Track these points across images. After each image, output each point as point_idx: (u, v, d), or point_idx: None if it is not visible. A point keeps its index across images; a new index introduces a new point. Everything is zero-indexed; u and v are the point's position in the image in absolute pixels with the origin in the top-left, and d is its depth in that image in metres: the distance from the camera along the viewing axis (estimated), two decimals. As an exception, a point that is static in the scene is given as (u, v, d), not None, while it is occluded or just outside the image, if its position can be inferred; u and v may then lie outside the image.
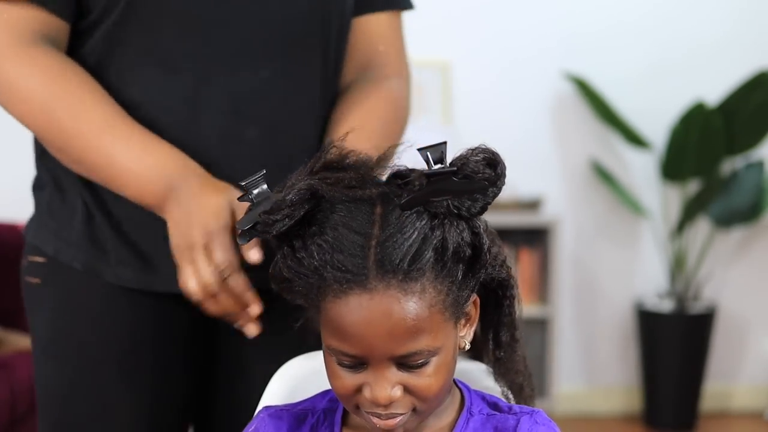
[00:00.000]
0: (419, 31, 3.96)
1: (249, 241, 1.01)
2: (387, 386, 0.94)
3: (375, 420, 0.97)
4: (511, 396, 1.15)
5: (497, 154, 0.93)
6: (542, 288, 3.89)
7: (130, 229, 1.34)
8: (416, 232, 0.93)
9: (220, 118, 1.31)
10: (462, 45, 3.99)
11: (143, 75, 1.30)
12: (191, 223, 1.24)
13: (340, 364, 0.97)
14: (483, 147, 0.93)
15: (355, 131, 1.16)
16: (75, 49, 1.32)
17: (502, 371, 1.14)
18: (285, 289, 1.02)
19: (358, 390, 0.97)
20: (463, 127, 3.90)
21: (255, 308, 1.27)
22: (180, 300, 1.29)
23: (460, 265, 0.96)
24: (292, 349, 1.32)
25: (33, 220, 1.42)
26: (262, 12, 1.31)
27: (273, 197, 0.98)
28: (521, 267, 3.90)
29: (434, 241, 0.93)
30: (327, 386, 1.12)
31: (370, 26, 1.45)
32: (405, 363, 0.95)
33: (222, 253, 1.23)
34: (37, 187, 1.42)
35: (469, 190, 0.92)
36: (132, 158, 1.26)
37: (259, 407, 1.21)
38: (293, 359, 1.31)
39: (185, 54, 1.30)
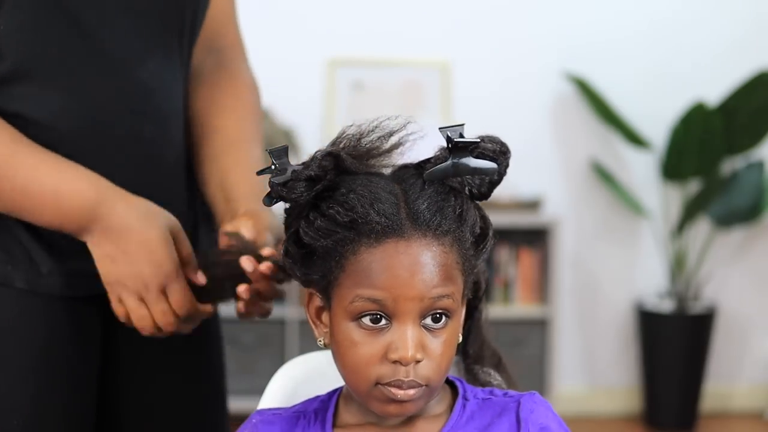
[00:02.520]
0: (419, 31, 3.98)
1: (274, 203, 1.03)
2: (412, 344, 0.97)
3: (395, 390, 0.98)
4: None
5: (506, 144, 1.03)
6: (542, 288, 3.89)
7: (41, 231, 1.26)
8: (439, 197, 1.00)
9: (117, 119, 1.27)
10: (462, 45, 3.99)
11: (21, 86, 1.23)
12: (136, 261, 1.21)
13: (362, 322, 0.98)
14: (495, 137, 1.03)
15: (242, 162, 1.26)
16: None
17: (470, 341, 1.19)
18: (299, 259, 1.03)
19: (380, 359, 0.98)
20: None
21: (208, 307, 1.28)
22: (91, 302, 1.28)
23: (472, 239, 1.03)
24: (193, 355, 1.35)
25: None
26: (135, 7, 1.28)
27: (290, 169, 1.00)
28: (521, 267, 3.90)
29: (456, 209, 1.01)
30: (327, 387, 1.12)
31: (212, 5, 1.42)
32: (430, 314, 0.99)
33: (183, 298, 1.23)
34: None
35: (483, 171, 1.00)
36: (47, 186, 1.20)
37: (257, 409, 1.21)
38: (293, 359, 1.31)
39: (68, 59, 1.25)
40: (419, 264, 0.98)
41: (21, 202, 1.21)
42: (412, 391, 0.99)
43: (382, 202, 0.98)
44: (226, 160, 1.37)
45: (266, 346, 3.69)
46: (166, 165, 1.35)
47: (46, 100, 1.24)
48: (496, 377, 1.23)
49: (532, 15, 4.00)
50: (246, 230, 1.28)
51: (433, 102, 3.98)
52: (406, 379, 0.98)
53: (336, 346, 1.02)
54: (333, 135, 1.06)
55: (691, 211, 3.85)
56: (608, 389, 4.14)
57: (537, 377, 3.81)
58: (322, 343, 1.05)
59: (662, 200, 4.00)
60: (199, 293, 1.27)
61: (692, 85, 3.94)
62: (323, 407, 1.09)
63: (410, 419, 1.05)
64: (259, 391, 1.29)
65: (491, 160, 1.01)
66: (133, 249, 1.22)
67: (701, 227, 4.01)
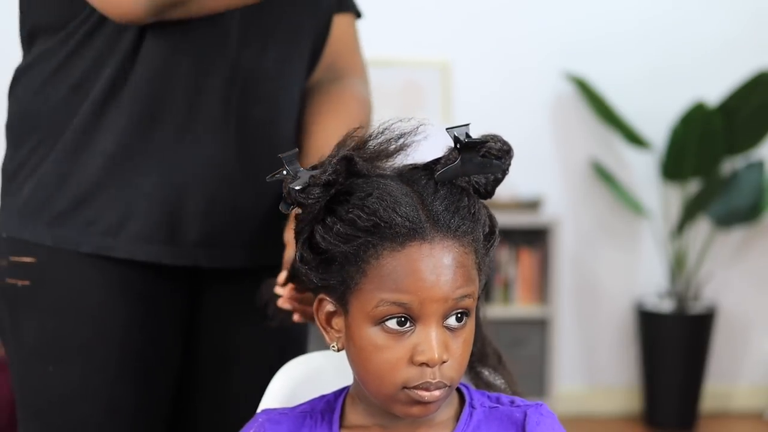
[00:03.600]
0: (419, 31, 3.98)
1: (292, 210, 1.03)
2: (437, 345, 0.98)
3: (422, 393, 0.98)
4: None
5: (509, 144, 1.05)
6: (542, 288, 3.89)
7: (164, 201, 1.35)
8: (453, 198, 1.02)
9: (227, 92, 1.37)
10: (462, 45, 3.99)
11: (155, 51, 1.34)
12: None
13: (387, 326, 0.98)
14: (499, 136, 1.05)
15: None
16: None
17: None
18: (316, 266, 1.02)
19: (406, 362, 0.98)
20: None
21: None
22: (177, 276, 1.35)
23: (482, 238, 1.04)
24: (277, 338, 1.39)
25: (6, 215, 1.38)
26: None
27: (305, 173, 1.01)
28: (521, 267, 3.90)
29: (471, 209, 1.02)
30: (327, 387, 1.12)
31: (335, 29, 1.51)
32: (453, 314, 1.00)
33: None
34: (11, 178, 1.39)
35: (491, 170, 1.03)
36: None
37: (259, 409, 1.21)
38: (294, 360, 1.31)
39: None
40: (443, 266, 0.98)
41: None
42: (438, 392, 0.99)
43: (403, 205, 0.99)
44: (312, 160, 1.40)
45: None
46: (274, 149, 1.40)
47: (164, 58, 1.33)
48: (498, 377, 1.23)
49: (532, 15, 4.00)
50: (286, 237, 1.35)
51: (433, 102, 3.98)
52: (433, 381, 0.98)
53: (357, 351, 1.01)
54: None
55: (691, 211, 3.85)
56: (608, 389, 4.14)
57: (537, 377, 3.81)
58: (335, 348, 1.05)
59: (662, 200, 4.00)
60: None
61: (692, 85, 3.94)
62: (330, 407, 1.09)
63: (417, 425, 1.05)
64: (260, 391, 1.29)
65: (496, 159, 1.03)
66: None
67: (701, 227, 4.01)
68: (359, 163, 1.01)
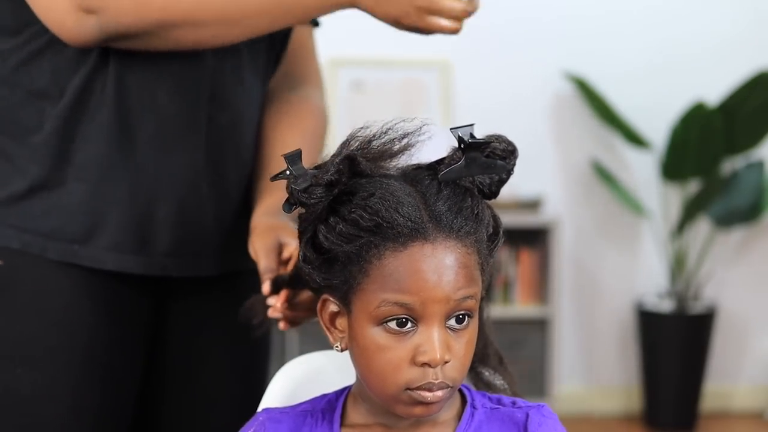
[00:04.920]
0: (419, 31, 3.98)
1: (293, 210, 1.03)
2: (439, 345, 0.98)
3: (425, 394, 0.99)
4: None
5: (514, 144, 1.05)
6: (542, 288, 3.89)
7: (114, 207, 1.34)
8: (457, 198, 1.01)
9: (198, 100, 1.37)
10: (462, 45, 3.98)
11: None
12: None
13: (388, 326, 0.98)
14: (503, 136, 1.05)
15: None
16: None
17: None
18: (319, 266, 1.02)
19: (408, 363, 0.98)
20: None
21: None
22: (144, 281, 1.35)
23: (486, 239, 1.04)
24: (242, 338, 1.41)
25: None
26: None
27: (309, 174, 1.01)
28: (521, 267, 3.90)
29: (474, 209, 1.02)
30: (327, 387, 1.12)
31: (294, 37, 1.53)
32: (455, 315, 0.99)
33: None
34: None
35: (495, 170, 1.03)
36: None
37: (260, 408, 1.21)
38: (294, 360, 1.31)
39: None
40: (445, 267, 0.98)
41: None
42: (440, 393, 0.99)
43: (406, 205, 0.99)
44: (268, 169, 1.42)
45: (266, 346, 3.69)
46: (238, 156, 1.43)
47: (134, 67, 1.33)
48: (498, 378, 1.23)
49: (532, 15, 4.00)
50: (251, 250, 1.34)
51: (434, 102, 3.98)
52: (436, 382, 0.99)
53: (360, 351, 1.01)
54: (333, 134, 1.06)
55: (691, 211, 3.85)
56: (608, 389, 4.14)
57: (537, 377, 3.82)
58: (339, 348, 1.05)
59: (662, 200, 4.00)
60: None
61: (692, 85, 3.94)
62: (331, 406, 1.09)
63: (418, 425, 1.05)
64: (260, 391, 1.29)
65: (501, 159, 1.03)
66: None
67: (701, 227, 4.01)
68: (362, 163, 1.01)
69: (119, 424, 1.39)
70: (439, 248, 0.98)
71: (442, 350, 0.98)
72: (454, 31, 1.33)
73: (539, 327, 3.86)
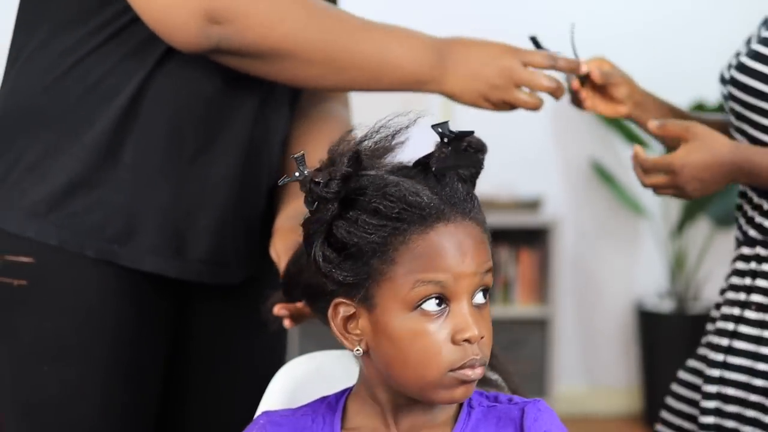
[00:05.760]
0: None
1: (316, 206, 1.04)
2: (474, 321, 1.01)
3: (467, 372, 1.00)
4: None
5: (483, 142, 1.10)
6: (542, 288, 3.89)
7: (151, 210, 1.36)
8: (456, 186, 1.05)
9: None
10: (462, 45, 3.99)
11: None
12: (489, 59, 1.39)
13: (425, 309, 1.00)
14: (475, 135, 1.09)
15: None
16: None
17: None
18: (339, 263, 1.02)
19: (449, 343, 1.00)
20: (463, 127, 3.87)
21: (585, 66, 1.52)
22: (170, 287, 1.38)
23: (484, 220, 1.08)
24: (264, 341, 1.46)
25: (6, 212, 1.35)
26: None
27: (312, 173, 1.03)
28: (521, 267, 3.90)
29: (472, 195, 1.06)
30: (327, 387, 1.12)
31: None
32: (480, 290, 1.03)
33: (538, 53, 1.48)
34: (4, 174, 1.36)
35: (475, 162, 1.08)
36: (400, 39, 1.39)
37: (260, 409, 1.21)
38: (294, 360, 1.31)
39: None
40: (468, 243, 1.02)
41: (379, 58, 1.38)
42: (479, 370, 1.01)
43: (422, 191, 1.02)
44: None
45: (266, 346, 3.69)
46: (270, 168, 1.47)
47: (193, 74, 1.36)
48: (494, 374, 1.23)
49: (532, 15, 4.00)
50: (273, 252, 1.37)
51: (433, 102, 3.98)
52: (478, 357, 1.00)
53: (392, 344, 1.01)
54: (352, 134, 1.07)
55: (691, 211, 3.85)
56: (608, 389, 4.14)
57: (537, 377, 3.82)
58: (359, 351, 1.03)
59: (662, 200, 4.00)
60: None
61: (692, 85, 3.94)
62: (331, 409, 1.08)
63: (415, 426, 1.05)
64: (260, 391, 1.30)
65: (477, 152, 1.08)
66: (480, 55, 1.40)
67: (701, 227, 4.01)
68: (365, 159, 1.03)
69: (144, 422, 1.41)
70: (459, 227, 1.02)
71: (476, 325, 1.00)
72: (536, 107, 1.42)
73: (539, 327, 3.86)
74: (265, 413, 1.11)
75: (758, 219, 1.48)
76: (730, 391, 1.46)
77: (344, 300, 1.03)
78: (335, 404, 1.09)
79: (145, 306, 1.39)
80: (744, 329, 1.48)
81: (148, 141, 1.34)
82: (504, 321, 3.77)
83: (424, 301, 1.00)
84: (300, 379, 1.26)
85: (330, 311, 1.05)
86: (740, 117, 1.49)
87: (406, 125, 1.05)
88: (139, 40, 1.33)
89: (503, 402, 1.07)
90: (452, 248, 1.01)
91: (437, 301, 1.00)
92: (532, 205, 3.88)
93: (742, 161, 1.42)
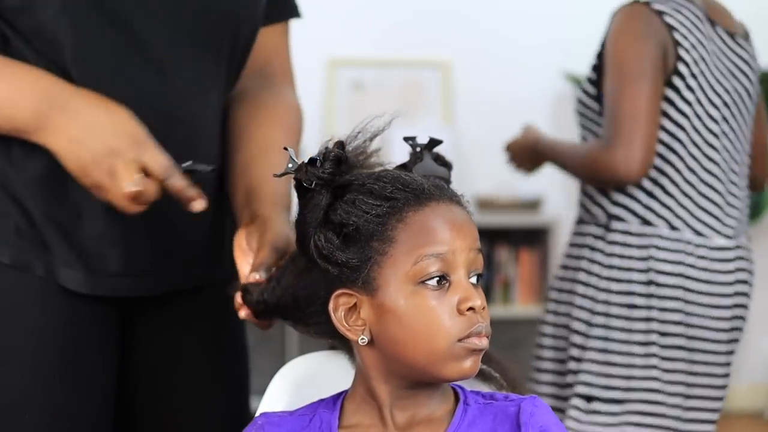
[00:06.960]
0: (419, 31, 3.98)
1: (307, 195, 1.07)
2: (475, 291, 1.04)
3: (476, 340, 1.02)
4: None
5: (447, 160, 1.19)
6: (542, 288, 3.89)
7: (69, 225, 1.32)
8: (442, 182, 1.11)
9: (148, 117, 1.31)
10: (462, 45, 3.99)
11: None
12: (106, 133, 1.22)
13: (429, 285, 1.02)
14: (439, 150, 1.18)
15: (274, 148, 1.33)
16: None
17: None
18: (340, 244, 1.04)
19: (455, 313, 1.02)
20: (463, 126, 3.89)
21: (200, 203, 1.27)
22: (110, 303, 1.35)
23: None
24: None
25: None
26: (184, 21, 1.37)
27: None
28: (521, 267, 3.90)
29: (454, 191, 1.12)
30: (327, 387, 1.13)
31: (264, 37, 1.51)
32: (473, 273, 1.05)
33: (162, 157, 1.24)
34: None
35: (445, 172, 1.17)
36: (7, 80, 1.25)
37: (260, 409, 1.21)
38: (293, 360, 1.31)
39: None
40: (461, 219, 1.06)
41: None
42: (485, 339, 1.03)
43: (412, 175, 1.07)
44: (254, 166, 1.41)
45: (266, 345, 3.69)
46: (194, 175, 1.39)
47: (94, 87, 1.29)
48: (492, 371, 1.24)
49: (533, 15, 4.00)
50: (253, 240, 1.31)
51: (434, 102, 3.99)
52: (484, 323, 1.03)
53: (400, 319, 1.02)
54: (333, 135, 1.07)
55: (691, 211, 3.85)
56: (608, 389, 4.13)
57: (537, 377, 3.81)
58: (365, 340, 1.04)
59: (662, 200, 4.00)
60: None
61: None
62: (328, 410, 1.09)
63: (412, 423, 1.06)
64: (260, 390, 1.30)
65: (443, 164, 1.17)
66: (101, 122, 1.23)
67: (701, 227, 4.01)
68: (350, 155, 1.07)
69: (98, 428, 1.38)
70: (450, 206, 1.06)
71: (480, 295, 1.04)
72: (129, 204, 1.24)
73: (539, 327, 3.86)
74: (264, 414, 1.12)
75: None
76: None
77: (345, 290, 1.04)
78: (333, 404, 1.10)
79: (88, 310, 1.35)
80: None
81: (47, 155, 1.29)
82: (504, 321, 3.77)
83: (427, 278, 1.02)
84: (299, 380, 1.26)
85: (330, 305, 1.06)
86: None
87: (383, 126, 1.09)
88: (33, 61, 1.29)
89: (499, 399, 1.09)
90: (447, 223, 1.05)
91: (439, 279, 1.03)
92: (532, 205, 3.88)
93: None
